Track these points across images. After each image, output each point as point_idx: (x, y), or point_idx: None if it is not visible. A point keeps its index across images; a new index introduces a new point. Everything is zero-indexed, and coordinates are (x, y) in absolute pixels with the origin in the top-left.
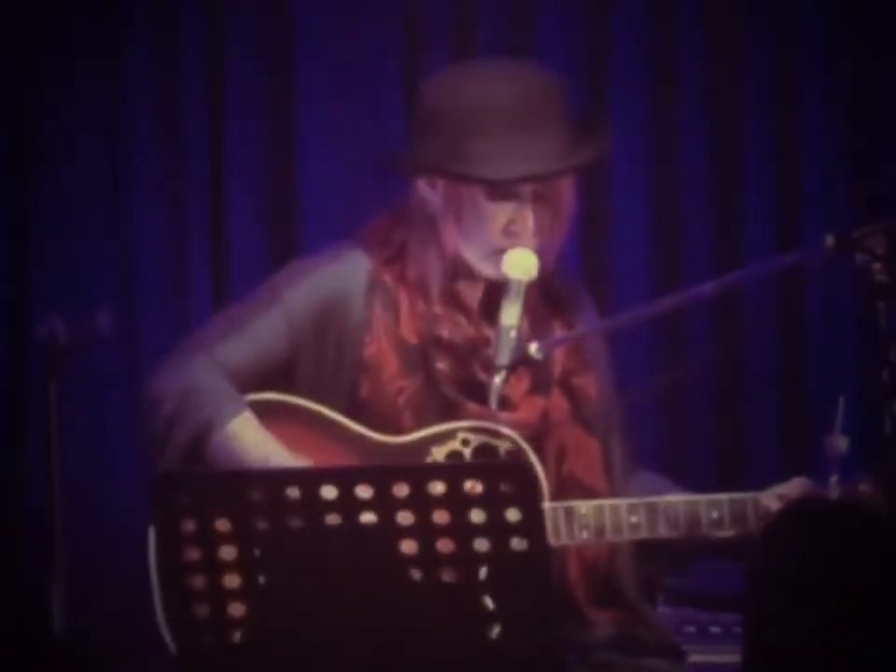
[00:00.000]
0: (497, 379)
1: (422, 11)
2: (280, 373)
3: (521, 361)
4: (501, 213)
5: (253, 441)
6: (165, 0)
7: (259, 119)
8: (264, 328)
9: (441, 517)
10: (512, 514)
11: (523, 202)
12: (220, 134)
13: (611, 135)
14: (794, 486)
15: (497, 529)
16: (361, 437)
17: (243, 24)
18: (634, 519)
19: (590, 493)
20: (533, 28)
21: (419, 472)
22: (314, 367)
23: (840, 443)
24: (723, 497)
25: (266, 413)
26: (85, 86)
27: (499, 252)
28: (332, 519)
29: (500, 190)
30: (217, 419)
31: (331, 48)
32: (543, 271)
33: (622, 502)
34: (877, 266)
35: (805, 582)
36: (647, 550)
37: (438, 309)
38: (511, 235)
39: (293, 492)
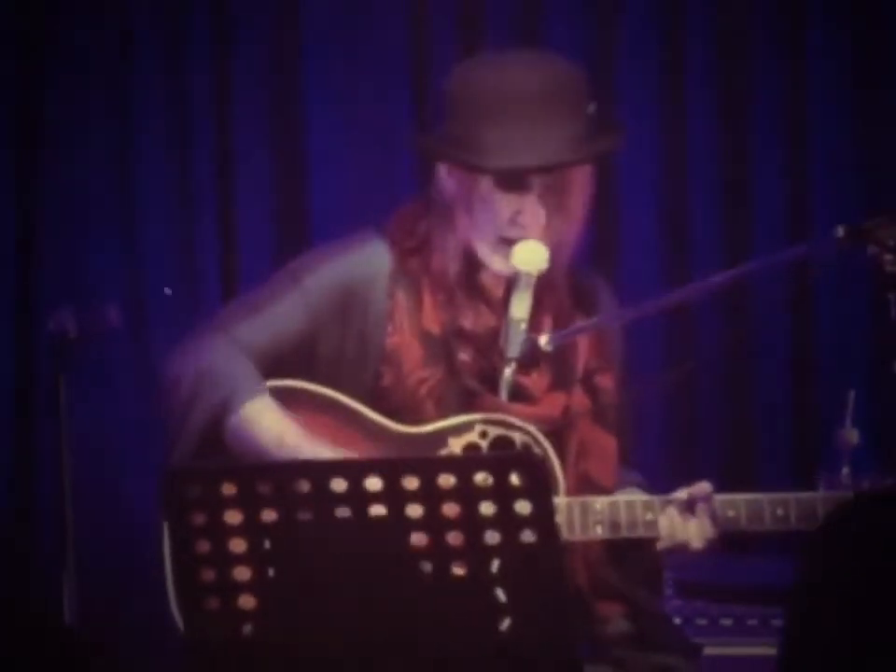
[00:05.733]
0: (507, 371)
1: (427, 4)
2: (298, 358)
3: (531, 354)
4: (509, 203)
5: (268, 423)
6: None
7: (267, 114)
8: (284, 312)
9: (450, 510)
10: (523, 507)
11: (531, 193)
12: (228, 129)
13: (625, 132)
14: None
15: (507, 522)
16: (379, 425)
17: (250, 19)
18: (649, 516)
19: (604, 492)
20: (541, 21)
21: (429, 465)
22: (335, 354)
23: (851, 436)
24: (739, 497)
25: (285, 400)
26: (92, 81)
27: (508, 244)
28: (342, 512)
29: (509, 180)
30: (234, 401)
31: (338, 42)
32: (565, 266)
33: (637, 498)
34: (888, 257)
35: (862, 583)
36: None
37: (460, 300)
38: (518, 226)
39: (303, 485)
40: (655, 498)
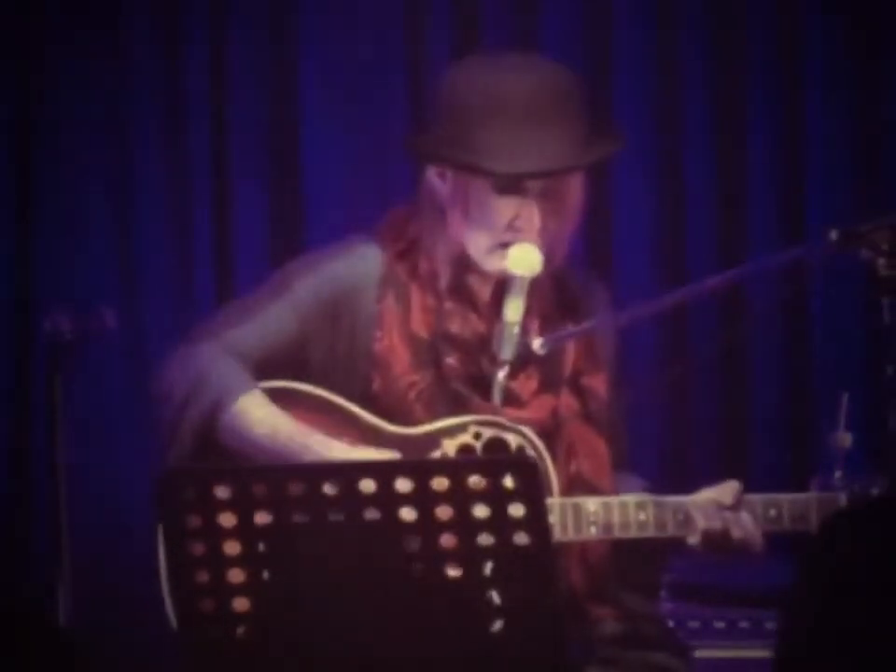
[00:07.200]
0: (500, 374)
1: (424, 5)
2: (290, 363)
3: (524, 357)
4: (507, 207)
5: (262, 415)
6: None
7: (262, 116)
8: (274, 317)
9: (444, 513)
10: (516, 510)
11: (530, 197)
12: (223, 131)
13: (623, 136)
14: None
15: (500, 525)
16: (373, 426)
17: (245, 18)
18: (642, 516)
19: (597, 493)
20: (535, 22)
21: (422, 468)
22: (326, 358)
23: (844, 439)
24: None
25: (279, 400)
26: (87, 84)
27: (503, 247)
28: (335, 514)
29: (508, 184)
30: (225, 399)
31: (335, 44)
32: (554, 269)
33: (630, 499)
34: (882, 261)
35: (860, 584)
36: (627, 545)
37: (448, 304)
38: (516, 230)
39: (297, 487)
40: (649, 498)
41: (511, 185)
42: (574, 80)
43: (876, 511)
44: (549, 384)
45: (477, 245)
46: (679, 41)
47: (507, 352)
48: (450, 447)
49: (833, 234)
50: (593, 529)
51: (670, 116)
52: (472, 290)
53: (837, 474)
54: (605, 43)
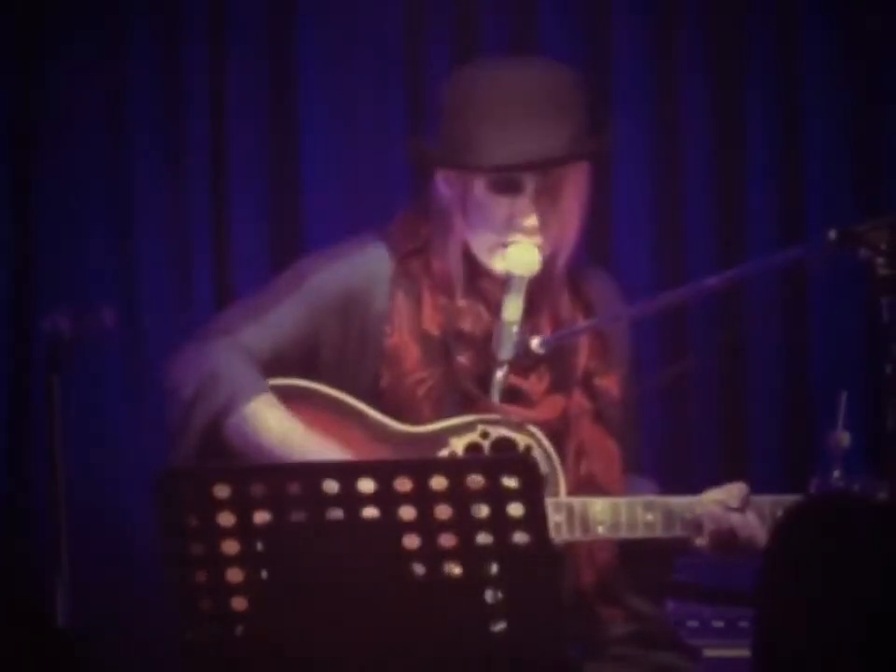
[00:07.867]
0: (499, 373)
1: (423, 7)
2: (301, 360)
3: (523, 356)
4: (503, 205)
5: (272, 421)
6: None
7: (262, 117)
8: (286, 314)
9: (443, 512)
10: (515, 509)
11: (526, 195)
12: (222, 131)
13: (616, 133)
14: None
15: (499, 524)
16: (381, 425)
17: (247, 24)
18: (650, 517)
19: (607, 494)
20: (535, 22)
21: (421, 467)
22: (336, 355)
23: (842, 438)
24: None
25: (288, 398)
26: (89, 84)
27: (505, 247)
28: (334, 514)
29: (503, 182)
30: (236, 401)
31: (334, 45)
32: (561, 269)
33: (637, 500)
34: (880, 261)
35: (819, 580)
36: (634, 548)
37: (461, 302)
38: (514, 229)
39: (295, 487)
40: (657, 499)
41: (506, 183)
42: (571, 77)
43: (830, 504)
44: (560, 384)
45: (480, 245)
46: (678, 41)
47: (505, 351)
48: (458, 445)
49: (833, 234)
50: (600, 529)
51: (670, 115)
52: (484, 290)
53: (836, 474)
54: (605, 42)
